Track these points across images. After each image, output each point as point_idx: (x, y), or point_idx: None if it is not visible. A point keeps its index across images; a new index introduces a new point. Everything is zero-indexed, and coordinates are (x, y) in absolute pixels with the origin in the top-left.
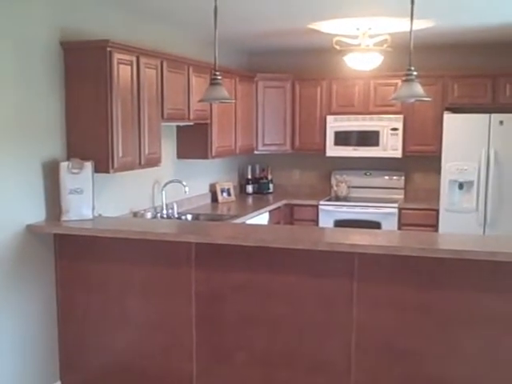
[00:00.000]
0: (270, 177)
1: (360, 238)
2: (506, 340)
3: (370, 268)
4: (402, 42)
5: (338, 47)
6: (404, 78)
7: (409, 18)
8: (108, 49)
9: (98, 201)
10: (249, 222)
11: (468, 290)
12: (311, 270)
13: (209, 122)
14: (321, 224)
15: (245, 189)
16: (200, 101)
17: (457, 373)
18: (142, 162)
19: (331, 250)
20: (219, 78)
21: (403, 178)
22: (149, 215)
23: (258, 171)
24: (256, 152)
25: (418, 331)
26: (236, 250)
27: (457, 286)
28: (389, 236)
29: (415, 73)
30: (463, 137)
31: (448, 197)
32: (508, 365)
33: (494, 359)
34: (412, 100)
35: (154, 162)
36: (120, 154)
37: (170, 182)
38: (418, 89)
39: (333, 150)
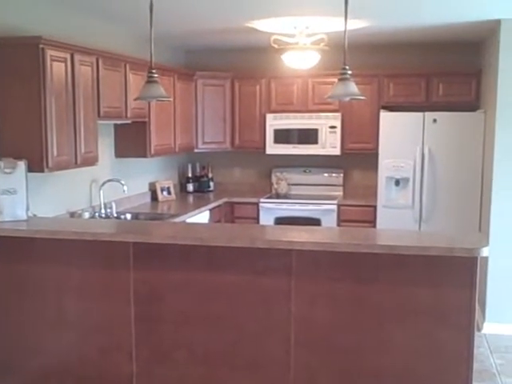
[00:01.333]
0: (210, 175)
1: (298, 235)
2: (439, 333)
3: (308, 264)
4: (339, 41)
5: (275, 46)
6: (339, 77)
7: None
8: (40, 46)
9: (32, 201)
10: (189, 220)
11: (402, 285)
12: (250, 267)
13: (147, 120)
14: (261, 222)
15: (185, 187)
16: (136, 99)
17: (392, 366)
18: (78, 161)
19: (269, 248)
20: (155, 75)
21: (342, 175)
22: (86, 215)
23: (198, 169)
24: (196, 150)
25: (355, 326)
26: (175, 249)
27: (391, 281)
28: (326, 232)
29: (350, 72)
30: (399, 135)
31: (385, 193)
32: (440, 357)
33: (427, 352)
34: (347, 98)
35: (90, 161)
36: (55, 153)
37: (109, 181)
38: (353, 87)
39: (273, 148)
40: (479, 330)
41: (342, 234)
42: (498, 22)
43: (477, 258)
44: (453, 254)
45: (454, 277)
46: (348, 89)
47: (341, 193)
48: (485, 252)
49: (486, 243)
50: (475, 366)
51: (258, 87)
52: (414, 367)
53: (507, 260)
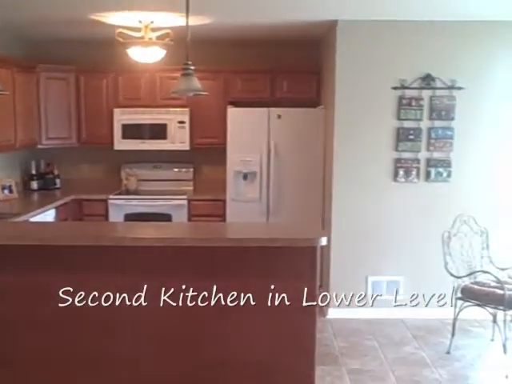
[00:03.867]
0: (56, 172)
1: (143, 232)
2: (283, 321)
3: (155, 260)
4: (185, 36)
5: (120, 39)
6: (182, 73)
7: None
8: None
9: None
10: (33, 219)
11: (247, 276)
12: (95, 266)
13: None
14: (111, 219)
15: (29, 185)
16: None
17: (239, 356)
18: None
19: (116, 245)
20: None
21: (192, 170)
22: None
23: (43, 166)
24: (40, 146)
25: (199, 319)
26: (14, 250)
27: (237, 273)
28: (174, 228)
29: (193, 67)
30: (246, 130)
31: (234, 187)
32: (285, 344)
33: (272, 340)
34: (190, 94)
35: None
36: None
37: None
38: (195, 83)
39: (121, 144)
40: (324, 315)
41: (188, 229)
42: (334, 23)
43: (316, 247)
44: (294, 244)
45: (296, 266)
46: (191, 84)
47: (191, 188)
48: (323, 241)
49: (324, 233)
50: (320, 350)
51: (104, 81)
52: (259, 355)
53: (348, 248)
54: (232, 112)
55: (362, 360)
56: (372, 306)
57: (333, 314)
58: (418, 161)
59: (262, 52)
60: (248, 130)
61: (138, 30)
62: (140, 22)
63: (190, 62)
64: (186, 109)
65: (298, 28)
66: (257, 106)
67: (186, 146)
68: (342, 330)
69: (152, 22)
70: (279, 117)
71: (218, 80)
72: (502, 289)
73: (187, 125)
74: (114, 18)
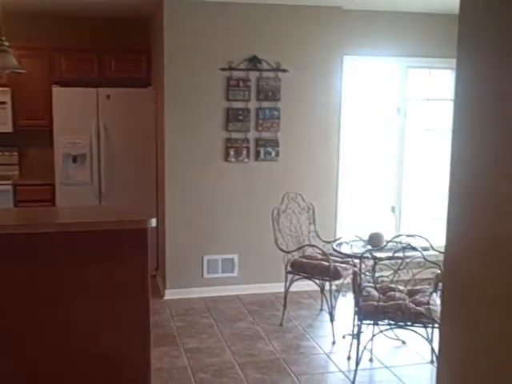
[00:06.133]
0: None
1: None
2: (117, 304)
3: None
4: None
5: None
6: None
7: None
8: None
9: None
10: None
11: (78, 261)
12: None
13: None
14: None
15: None
16: None
17: (77, 343)
18: None
19: None
20: None
21: (16, 153)
22: None
23: None
24: None
25: (34, 308)
26: None
27: (67, 259)
28: None
29: (7, 43)
30: (74, 111)
31: (63, 170)
32: (121, 328)
33: (108, 325)
34: (6, 71)
35: None
36: None
37: None
38: (11, 59)
39: None
40: (161, 297)
41: (9, 215)
42: (161, 1)
43: (147, 229)
44: (123, 227)
45: (127, 249)
46: (5, 61)
47: (16, 172)
48: (153, 223)
49: (153, 214)
50: (158, 331)
51: None
52: (97, 342)
53: (182, 229)
54: (57, 92)
55: (199, 338)
56: (208, 285)
57: (169, 295)
58: (247, 141)
59: (89, 29)
60: (76, 111)
61: None
62: None
63: (3, 38)
64: (7, 88)
65: (126, 5)
66: (85, 85)
67: (9, 128)
68: (178, 311)
69: None
70: (108, 97)
71: (42, 58)
72: (327, 261)
73: (9, 105)
74: None
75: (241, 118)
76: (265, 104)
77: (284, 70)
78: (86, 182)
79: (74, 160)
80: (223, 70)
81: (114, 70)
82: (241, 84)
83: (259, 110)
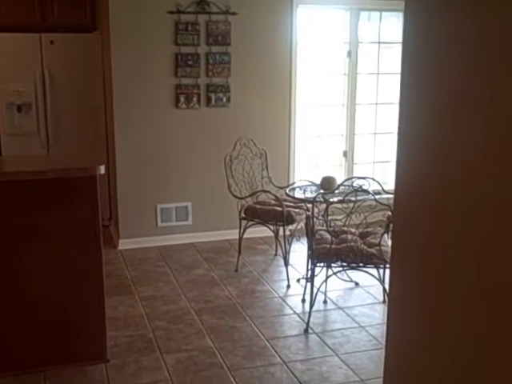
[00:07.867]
0: None
1: None
2: (69, 254)
3: None
4: None
5: None
6: None
7: None
8: None
9: None
10: None
11: (28, 211)
12: None
13: None
14: None
15: None
16: None
17: (29, 293)
18: None
19: None
20: None
21: None
22: None
23: None
24: None
25: None
26: None
27: (16, 208)
28: None
29: None
30: (15, 57)
31: (7, 120)
32: (73, 277)
33: (61, 275)
34: None
35: None
36: None
37: None
38: None
39: None
40: (115, 247)
41: None
42: None
43: (95, 176)
44: (70, 175)
45: (76, 197)
46: None
47: None
48: (101, 170)
49: (102, 163)
50: (113, 281)
51: None
52: (50, 291)
53: (134, 178)
54: None
55: (155, 286)
56: (162, 233)
57: (124, 244)
58: (198, 87)
59: None
60: (18, 58)
61: None
62: None
63: None
64: None
65: None
66: (26, 31)
67: None
68: (133, 260)
69: None
70: (52, 43)
71: None
72: (280, 206)
73: None
74: None
75: (190, 63)
76: (215, 49)
77: (234, 14)
78: (32, 131)
79: (19, 109)
80: (171, 13)
81: (57, 14)
82: (189, 28)
83: (209, 54)
